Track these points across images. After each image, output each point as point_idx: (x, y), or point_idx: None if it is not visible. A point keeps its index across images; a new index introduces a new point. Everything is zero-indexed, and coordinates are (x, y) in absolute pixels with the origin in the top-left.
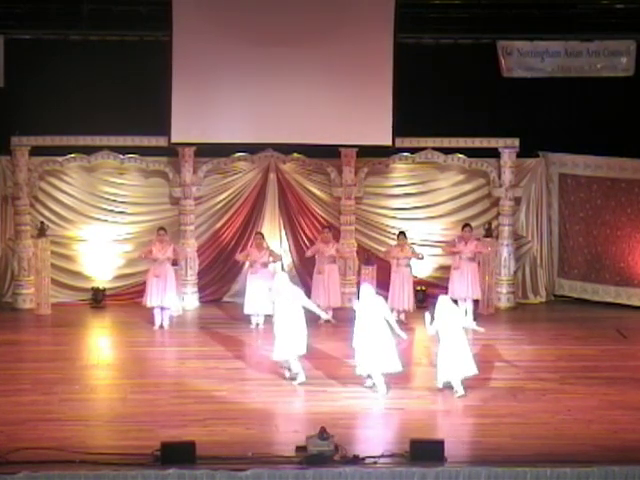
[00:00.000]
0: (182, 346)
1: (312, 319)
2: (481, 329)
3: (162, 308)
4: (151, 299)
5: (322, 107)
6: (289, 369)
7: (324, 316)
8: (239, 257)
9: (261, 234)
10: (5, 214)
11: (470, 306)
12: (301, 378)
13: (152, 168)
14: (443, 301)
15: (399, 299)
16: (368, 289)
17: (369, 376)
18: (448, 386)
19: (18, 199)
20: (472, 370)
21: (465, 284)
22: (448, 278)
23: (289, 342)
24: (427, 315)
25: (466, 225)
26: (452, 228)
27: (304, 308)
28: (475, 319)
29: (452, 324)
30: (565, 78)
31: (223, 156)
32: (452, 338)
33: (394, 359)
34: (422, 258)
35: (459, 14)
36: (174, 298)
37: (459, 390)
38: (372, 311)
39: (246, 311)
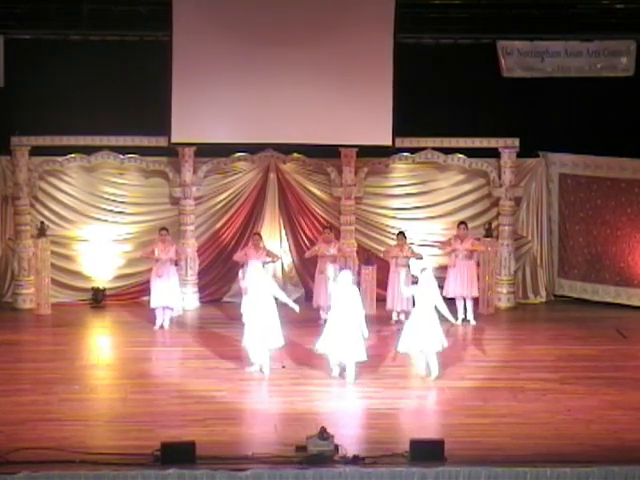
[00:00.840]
0: (182, 346)
1: (314, 319)
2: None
3: (164, 308)
4: (156, 299)
5: (322, 107)
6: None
7: (297, 308)
8: (237, 257)
9: (259, 234)
10: (5, 214)
11: (470, 305)
12: (255, 368)
13: (152, 168)
14: (428, 273)
15: (398, 299)
16: (347, 277)
17: (339, 365)
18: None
19: (18, 199)
20: (438, 345)
21: (461, 282)
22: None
23: (258, 333)
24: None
25: (461, 223)
26: (452, 228)
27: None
28: (475, 318)
29: (428, 297)
30: (565, 78)
31: (223, 156)
32: (425, 311)
33: (360, 348)
34: (421, 258)
35: (459, 14)
36: (178, 298)
37: (433, 370)
38: (344, 299)
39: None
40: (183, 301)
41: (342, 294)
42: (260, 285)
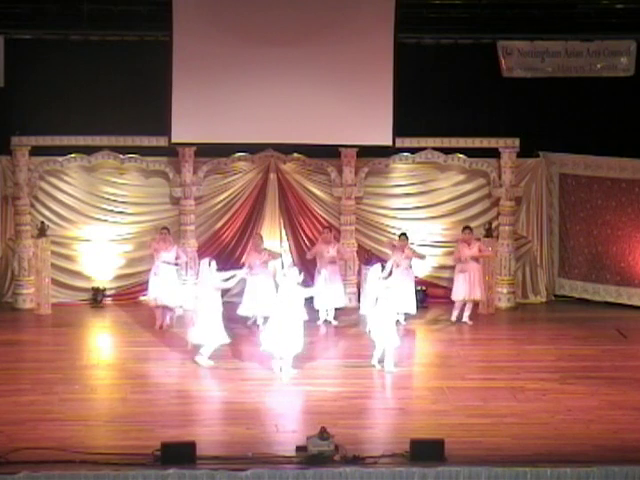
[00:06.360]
0: (182, 346)
1: (313, 320)
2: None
3: (164, 307)
4: (154, 298)
5: (322, 107)
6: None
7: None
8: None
9: (260, 235)
10: (5, 214)
11: (469, 306)
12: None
13: (152, 168)
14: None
15: (399, 301)
16: (294, 274)
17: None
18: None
19: (18, 199)
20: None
21: (469, 286)
22: (447, 278)
23: (207, 328)
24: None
25: (466, 227)
26: (452, 228)
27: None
28: (472, 318)
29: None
30: (565, 78)
31: (223, 156)
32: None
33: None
34: (424, 258)
35: (459, 14)
36: (177, 298)
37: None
38: (288, 296)
39: (240, 312)
40: (183, 301)
41: (287, 291)
42: (206, 282)
